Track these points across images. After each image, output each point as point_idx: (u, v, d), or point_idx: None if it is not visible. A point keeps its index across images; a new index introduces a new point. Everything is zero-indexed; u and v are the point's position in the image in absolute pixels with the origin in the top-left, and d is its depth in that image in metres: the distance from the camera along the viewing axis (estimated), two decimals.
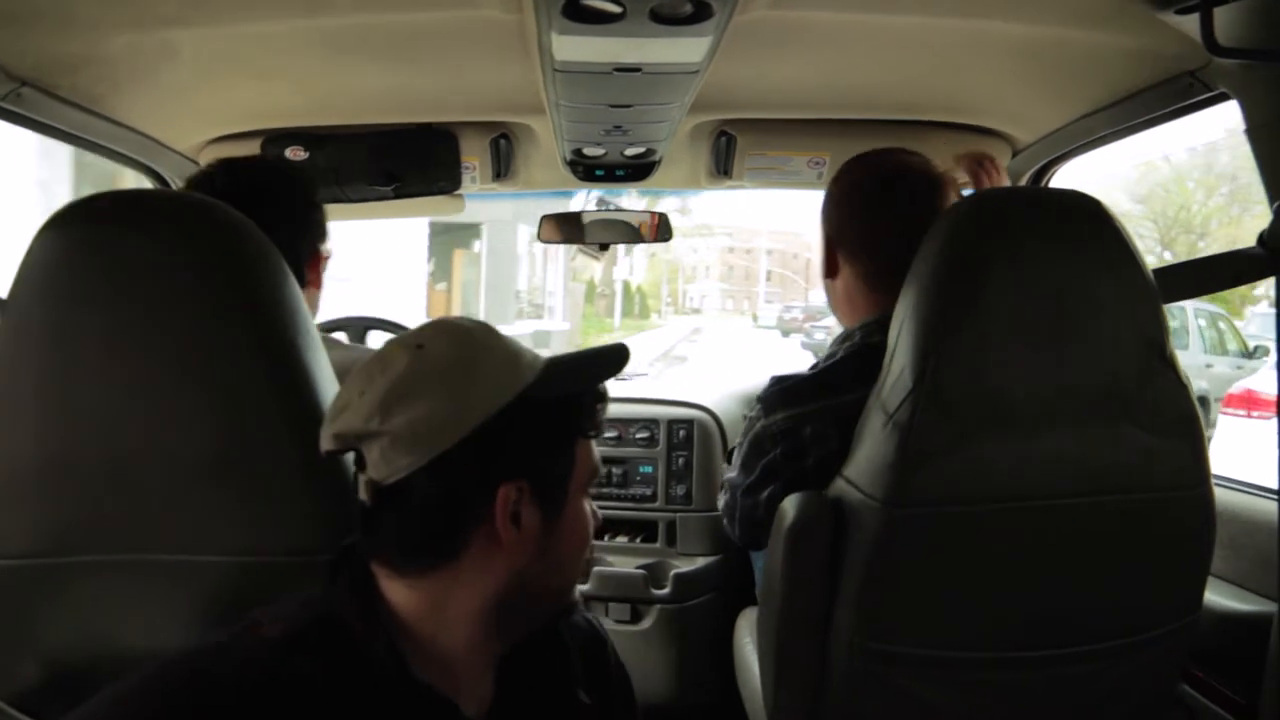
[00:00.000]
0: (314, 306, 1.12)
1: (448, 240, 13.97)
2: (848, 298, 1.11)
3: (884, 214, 1.06)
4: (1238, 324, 8.37)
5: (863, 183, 1.09)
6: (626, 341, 0.77)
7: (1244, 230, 14.00)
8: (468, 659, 0.67)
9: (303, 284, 1.04)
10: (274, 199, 1.01)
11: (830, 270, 1.13)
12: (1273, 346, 7.33)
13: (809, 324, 19.60)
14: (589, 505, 0.72)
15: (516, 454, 0.65)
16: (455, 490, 0.63)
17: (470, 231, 14.39)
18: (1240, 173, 13.50)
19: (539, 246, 17.46)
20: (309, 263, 1.07)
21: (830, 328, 16.32)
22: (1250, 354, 7.56)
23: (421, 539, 0.63)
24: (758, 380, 2.03)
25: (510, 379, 0.65)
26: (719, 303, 40.30)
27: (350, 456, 0.75)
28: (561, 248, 18.71)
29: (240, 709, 0.55)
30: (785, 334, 23.79)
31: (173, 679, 0.57)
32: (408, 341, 0.65)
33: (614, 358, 0.73)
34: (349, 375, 0.66)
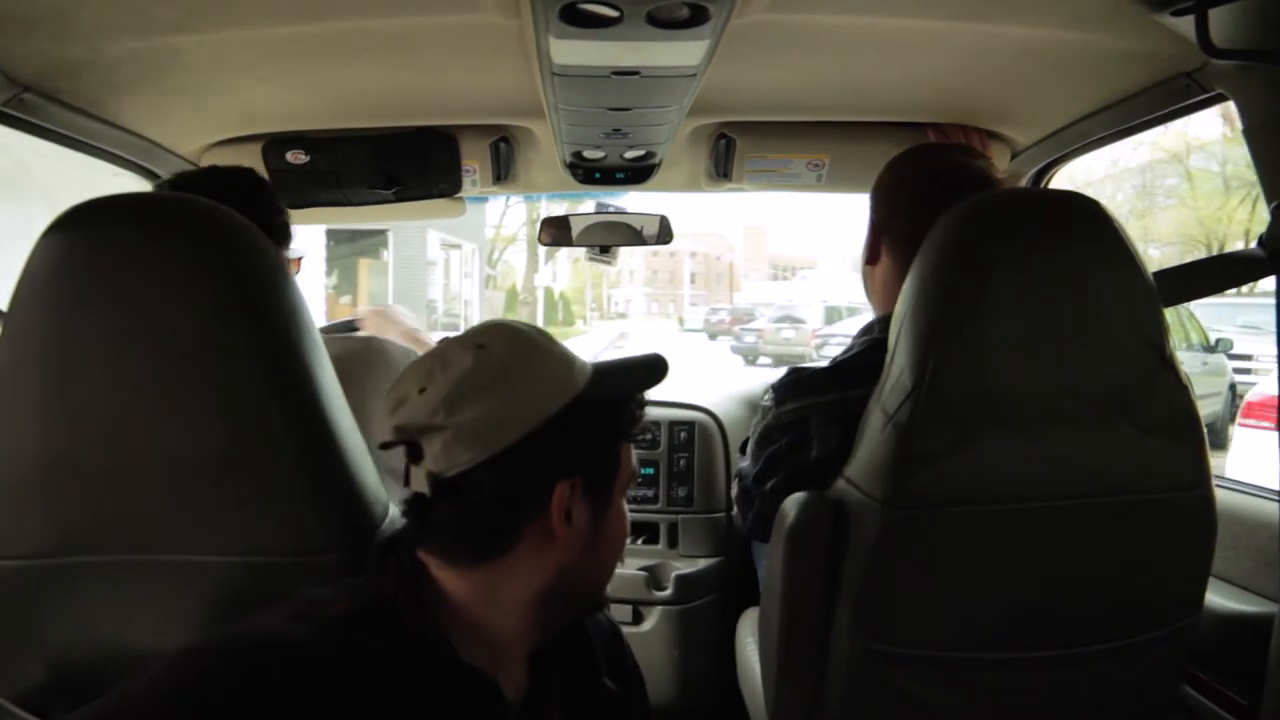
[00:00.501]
0: None
1: (351, 250, 13.52)
2: (884, 286, 1.10)
3: (931, 209, 1.05)
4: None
5: (916, 176, 1.09)
6: None
7: (1155, 223, 13.93)
8: (510, 646, 0.70)
9: None
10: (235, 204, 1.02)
11: (872, 257, 1.13)
12: (1233, 338, 7.13)
13: (737, 327, 18.34)
14: (625, 505, 0.76)
15: (572, 453, 0.69)
16: (514, 485, 0.66)
17: (376, 239, 13.91)
18: (1156, 165, 13.43)
19: (455, 254, 17.18)
20: None
21: (762, 330, 15.63)
22: (1212, 348, 7.19)
23: (479, 531, 0.67)
24: (758, 382, 2.04)
25: (566, 381, 0.69)
26: (644, 307, 39.54)
27: (358, 456, 0.77)
28: (475, 255, 18.22)
29: (316, 675, 0.58)
30: (712, 336, 22.97)
31: (246, 643, 0.59)
32: (467, 341, 0.68)
33: (656, 368, 0.77)
34: (399, 369, 0.70)
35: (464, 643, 0.66)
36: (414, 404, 0.66)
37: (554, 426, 0.66)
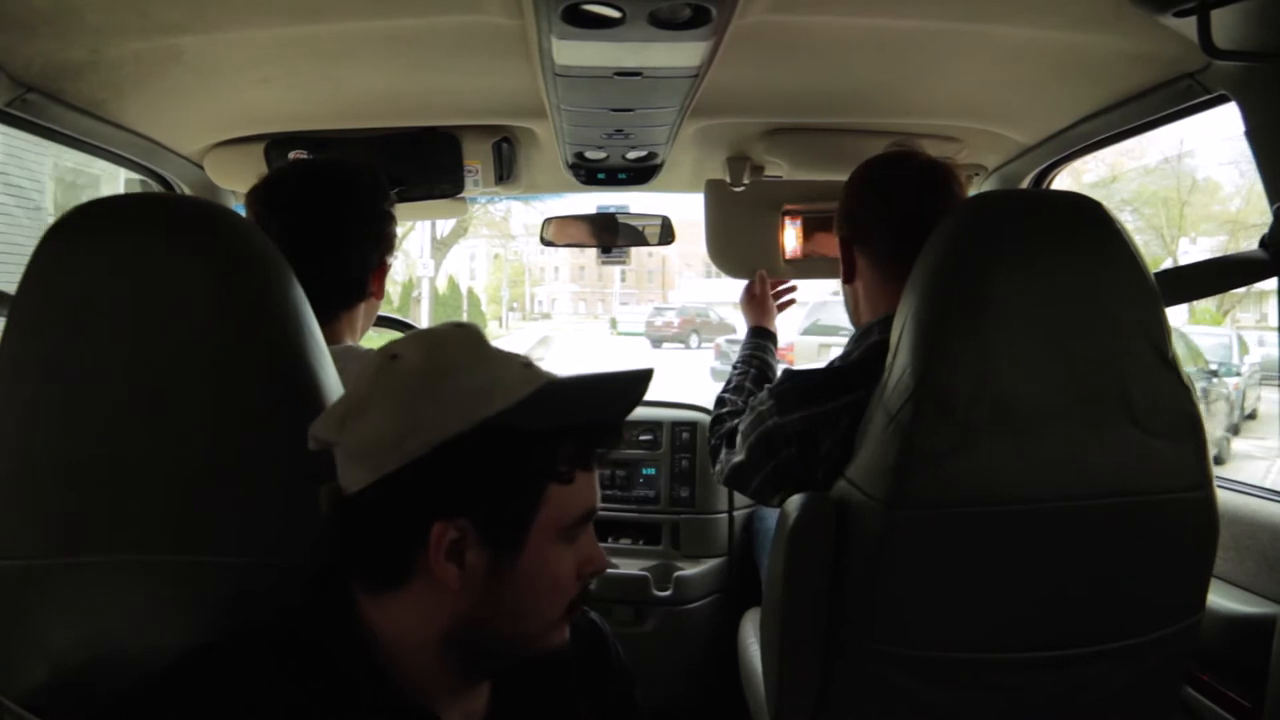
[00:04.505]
0: (371, 316, 1.13)
1: None
2: (867, 297, 1.12)
3: (896, 206, 1.07)
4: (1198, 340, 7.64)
5: (873, 180, 1.11)
6: None
7: None
8: (437, 681, 0.64)
9: (366, 295, 1.06)
10: (344, 211, 1.03)
11: (849, 275, 1.14)
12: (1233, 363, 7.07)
13: (725, 340, 11.59)
14: (577, 550, 0.65)
15: (460, 490, 0.59)
16: (392, 517, 0.60)
17: None
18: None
19: None
20: (374, 273, 1.08)
21: (786, 347, 10.70)
22: (1214, 373, 7.06)
23: (370, 559, 0.62)
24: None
25: (472, 406, 0.58)
26: (570, 306, 35.25)
27: None
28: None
29: None
30: (657, 344, 17.75)
31: (154, 696, 0.58)
32: (387, 350, 0.63)
33: (619, 389, 0.65)
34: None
35: (397, 673, 0.61)
36: (326, 414, 0.62)
37: (442, 457, 0.57)
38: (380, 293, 1.11)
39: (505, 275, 29.50)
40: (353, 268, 1.04)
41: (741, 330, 1.44)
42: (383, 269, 1.09)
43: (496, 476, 0.60)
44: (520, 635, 0.64)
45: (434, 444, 0.58)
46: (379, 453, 0.58)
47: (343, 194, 1.04)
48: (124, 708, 0.57)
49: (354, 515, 0.61)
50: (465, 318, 19.94)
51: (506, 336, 20.83)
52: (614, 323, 26.88)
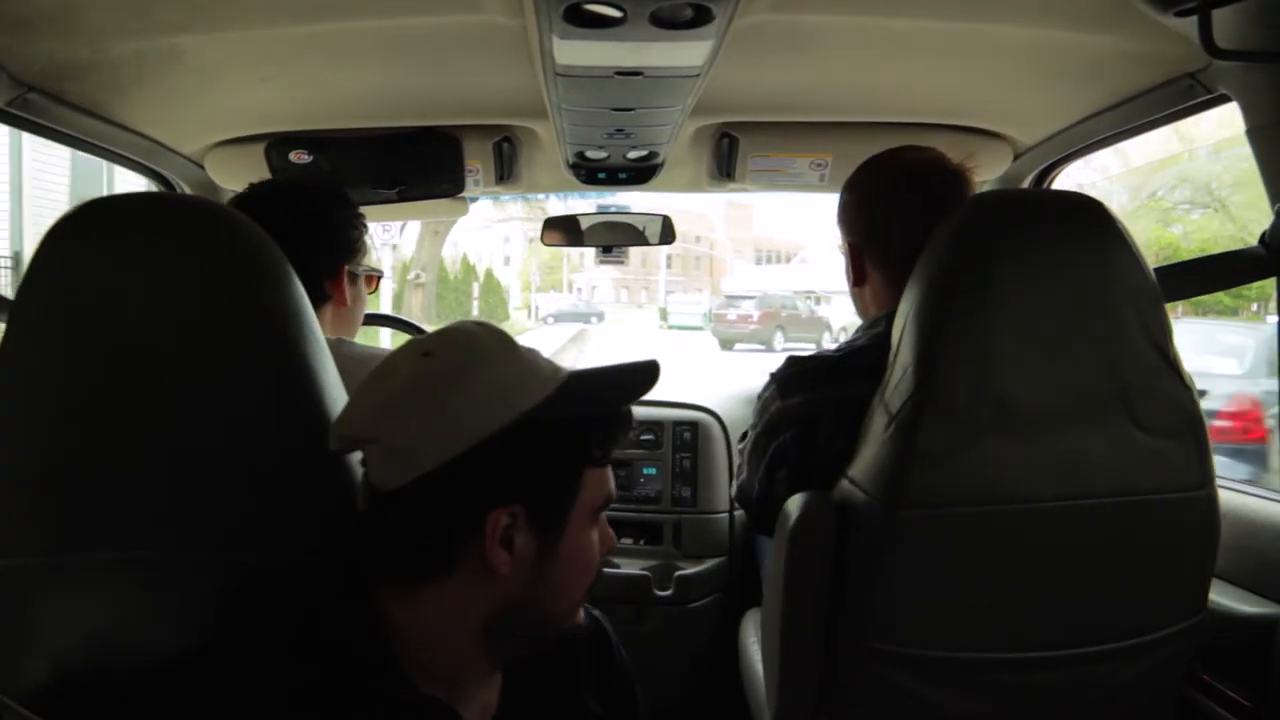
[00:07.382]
0: (341, 323, 1.15)
1: None
2: (875, 299, 1.10)
3: (908, 211, 1.04)
4: None
5: (884, 183, 1.09)
6: None
7: None
8: (465, 672, 0.66)
9: (324, 299, 1.09)
10: (295, 218, 1.04)
11: (859, 278, 1.12)
12: None
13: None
14: (598, 531, 0.69)
15: (512, 478, 0.62)
16: (445, 509, 0.61)
17: None
18: None
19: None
20: (333, 280, 1.11)
21: None
22: None
23: (412, 552, 0.63)
24: (760, 382, 2.03)
25: (514, 398, 0.61)
26: (612, 294, 31.53)
27: (359, 457, 0.76)
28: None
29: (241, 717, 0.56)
30: (727, 344, 14.32)
31: (172, 687, 0.58)
32: (417, 348, 0.65)
33: (636, 379, 0.68)
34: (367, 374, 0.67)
35: (416, 668, 0.63)
36: (358, 412, 0.63)
37: (490, 449, 0.60)
38: (343, 300, 1.13)
39: (535, 260, 27.43)
40: (307, 273, 1.06)
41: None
42: (341, 275, 1.12)
43: (544, 463, 0.64)
44: (553, 614, 0.67)
45: (479, 437, 0.60)
46: (424, 450, 0.60)
47: (291, 201, 1.08)
48: (132, 700, 0.57)
49: (394, 512, 0.62)
50: (476, 310, 18.22)
51: (534, 331, 17.86)
52: (664, 314, 23.80)
